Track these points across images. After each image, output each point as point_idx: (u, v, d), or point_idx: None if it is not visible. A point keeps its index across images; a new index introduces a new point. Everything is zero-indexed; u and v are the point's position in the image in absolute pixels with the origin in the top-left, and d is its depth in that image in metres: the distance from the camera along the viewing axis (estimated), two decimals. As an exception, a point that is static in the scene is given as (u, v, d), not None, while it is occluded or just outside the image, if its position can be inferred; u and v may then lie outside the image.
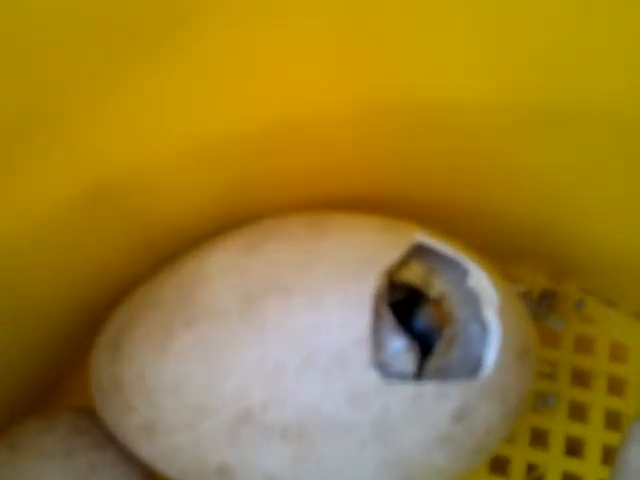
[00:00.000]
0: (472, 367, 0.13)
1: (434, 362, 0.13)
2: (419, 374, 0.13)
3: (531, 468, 0.19)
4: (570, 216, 0.19)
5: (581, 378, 0.20)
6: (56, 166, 0.13)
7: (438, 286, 0.14)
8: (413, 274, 0.14)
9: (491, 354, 0.13)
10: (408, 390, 0.13)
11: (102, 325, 0.16)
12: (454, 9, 0.12)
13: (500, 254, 0.20)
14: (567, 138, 0.16)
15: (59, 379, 0.19)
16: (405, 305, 0.14)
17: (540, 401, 0.19)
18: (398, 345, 0.13)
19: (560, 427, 0.19)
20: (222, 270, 0.14)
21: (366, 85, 0.14)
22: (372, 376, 0.13)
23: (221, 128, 0.15)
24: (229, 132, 0.15)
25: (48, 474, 0.14)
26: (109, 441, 0.16)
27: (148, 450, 0.14)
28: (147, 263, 0.16)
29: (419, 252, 0.14)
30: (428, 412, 0.13)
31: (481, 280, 0.14)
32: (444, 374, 0.13)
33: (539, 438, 0.19)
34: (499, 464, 0.19)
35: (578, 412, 0.19)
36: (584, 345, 0.20)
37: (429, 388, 0.13)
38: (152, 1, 0.11)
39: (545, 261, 0.21)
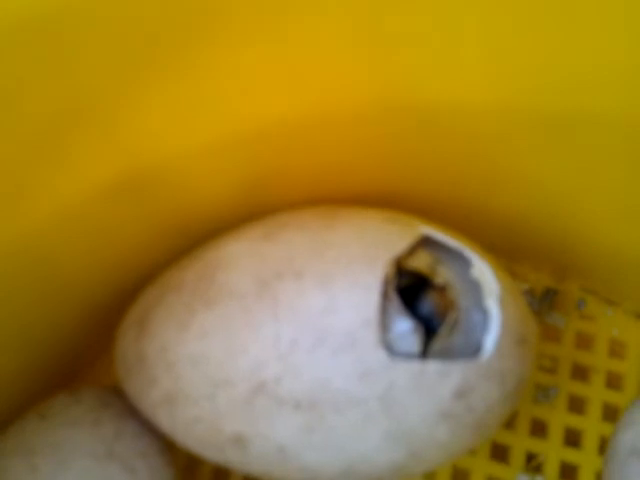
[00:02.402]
0: (473, 351, 0.14)
1: (437, 344, 0.14)
2: (423, 354, 0.14)
3: (530, 457, 0.20)
4: (572, 217, 0.20)
5: (580, 373, 0.21)
6: (92, 157, 0.14)
7: (443, 275, 0.15)
8: (420, 262, 0.15)
9: (491, 339, 0.14)
10: (412, 367, 0.14)
11: (128, 307, 0.17)
12: (463, 15, 0.13)
13: (505, 253, 0.21)
14: (568, 141, 0.17)
15: (86, 360, 0.20)
16: (411, 291, 0.15)
17: (541, 393, 0.20)
18: (404, 327, 0.14)
19: (559, 418, 0.20)
20: (240, 256, 0.15)
21: (376, 87, 0.15)
22: (379, 354, 0.14)
23: (241, 126, 0.16)
24: (248, 131, 0.16)
25: (76, 440, 0.16)
26: (132, 414, 0.17)
27: (168, 421, 0.15)
28: (171, 250, 0.17)
29: (426, 243, 0.15)
30: (431, 388, 0.14)
31: (484, 271, 0.15)
32: (446, 356, 0.14)
33: (539, 428, 0.20)
34: (500, 452, 0.20)
35: (577, 405, 0.20)
36: (584, 342, 0.21)
37: (432, 366, 0.14)
38: (180, 17, 0.12)
39: (548, 261, 0.22)
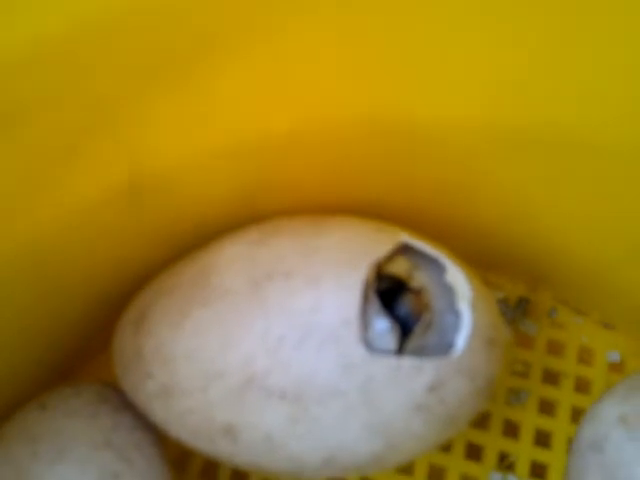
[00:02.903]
0: (445, 349, 0.16)
1: (412, 342, 0.15)
2: (399, 351, 0.15)
3: (503, 456, 0.21)
4: (545, 231, 0.21)
5: (551, 377, 0.22)
6: (100, 163, 0.15)
7: (419, 279, 0.16)
8: (398, 267, 0.16)
9: (462, 338, 0.16)
10: (390, 362, 0.15)
11: (126, 306, 0.18)
12: (446, 36, 0.14)
13: (481, 264, 0.22)
14: (542, 157, 0.18)
15: (84, 358, 0.21)
16: (390, 294, 0.16)
17: (513, 396, 0.21)
18: (382, 326, 0.15)
19: (530, 420, 0.21)
20: (235, 259, 0.17)
21: (363, 105, 0.16)
22: (360, 350, 0.15)
23: (239, 139, 0.17)
24: (246, 143, 0.17)
25: (76, 430, 0.17)
26: (128, 408, 0.18)
27: (163, 412, 0.17)
28: (169, 253, 0.18)
29: (405, 250, 0.17)
30: (406, 382, 0.15)
31: (457, 277, 0.17)
32: (421, 353, 0.15)
33: (511, 429, 0.21)
34: (474, 451, 0.21)
35: (547, 407, 0.21)
36: (555, 348, 0.22)
37: (407, 362, 0.15)
38: (186, 38, 0.14)
39: (522, 271, 0.23)
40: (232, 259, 0.17)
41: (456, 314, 0.16)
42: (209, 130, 0.16)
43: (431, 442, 0.16)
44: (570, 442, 0.21)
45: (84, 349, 0.21)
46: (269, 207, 0.19)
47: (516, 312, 0.23)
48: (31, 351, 0.19)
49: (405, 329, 0.16)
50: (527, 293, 0.23)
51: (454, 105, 0.17)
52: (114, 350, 0.18)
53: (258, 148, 0.17)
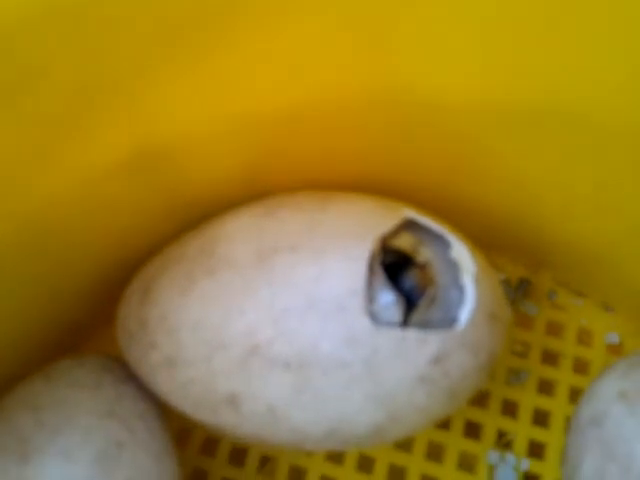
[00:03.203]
0: (449, 323, 0.16)
1: (417, 316, 0.16)
2: (404, 324, 0.15)
3: (501, 434, 0.21)
4: (546, 214, 0.21)
5: (550, 358, 0.22)
6: (111, 133, 0.15)
7: (424, 254, 0.16)
8: (404, 242, 0.16)
9: (465, 312, 0.16)
10: (394, 334, 0.15)
11: (131, 278, 0.18)
12: (453, 16, 0.14)
13: (484, 245, 0.22)
14: (545, 140, 0.18)
15: (88, 331, 0.21)
16: (395, 267, 0.16)
17: (513, 376, 0.22)
18: (388, 298, 0.15)
19: (529, 400, 0.21)
20: (240, 230, 0.17)
21: (367, 82, 0.16)
22: (365, 322, 0.15)
23: (245, 113, 0.17)
24: (251, 117, 0.17)
25: (80, 399, 0.17)
26: (132, 380, 0.18)
27: (166, 384, 0.17)
28: (174, 226, 0.18)
29: (410, 225, 0.17)
30: (410, 354, 0.15)
31: (461, 253, 0.17)
32: (425, 326, 0.15)
33: (510, 408, 0.21)
34: (473, 429, 0.21)
35: (546, 387, 0.22)
36: (554, 329, 0.22)
37: (412, 334, 0.15)
38: (196, 12, 0.14)
39: (524, 253, 0.23)
40: (238, 231, 0.17)
41: (460, 289, 0.16)
42: (211, 107, 0.16)
43: (432, 415, 0.16)
44: (568, 422, 0.21)
45: (87, 324, 0.21)
46: (271, 184, 0.19)
47: (517, 293, 0.23)
48: (34, 325, 0.19)
49: (410, 303, 0.16)
50: (528, 274, 0.23)
51: (457, 83, 0.17)
52: (118, 321, 0.18)
53: (259, 125, 0.17)
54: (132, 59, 0.13)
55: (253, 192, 0.19)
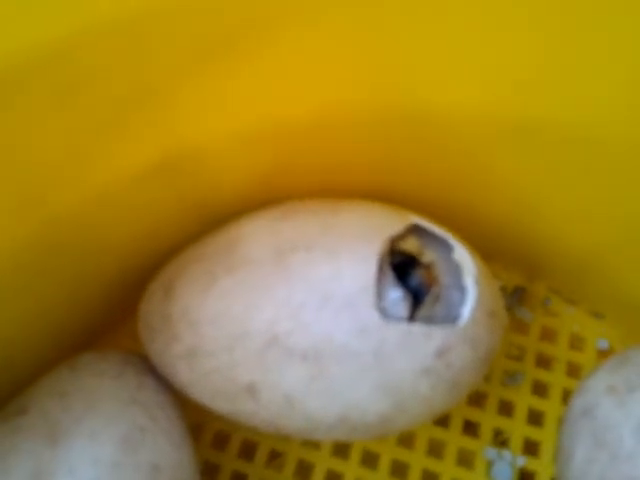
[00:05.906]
0: (452, 319, 0.17)
1: (422, 312, 0.17)
2: (411, 319, 0.17)
3: (498, 433, 0.22)
4: (541, 223, 0.22)
5: (544, 361, 0.23)
6: (146, 137, 0.16)
7: (428, 256, 0.18)
8: (410, 244, 0.18)
9: (467, 310, 0.17)
10: (401, 328, 0.16)
11: (154, 276, 0.20)
12: (458, 27, 0.15)
13: (482, 253, 0.24)
14: (543, 155, 0.19)
15: (107, 330, 0.22)
16: (403, 267, 0.18)
17: (509, 378, 0.23)
18: (396, 295, 0.17)
19: (524, 400, 0.22)
20: (259, 232, 0.18)
21: (376, 95, 0.18)
22: (375, 316, 0.16)
23: (264, 124, 0.18)
24: (269, 128, 0.19)
25: (104, 387, 0.18)
26: (152, 372, 0.19)
27: (187, 374, 0.18)
28: (195, 228, 0.19)
29: (416, 230, 0.18)
30: (416, 346, 0.16)
31: (463, 255, 0.18)
32: (430, 322, 0.17)
33: (506, 408, 0.22)
34: (471, 428, 0.22)
35: (540, 389, 0.23)
36: (548, 335, 0.24)
37: (418, 328, 0.16)
38: (228, 17, 0.15)
39: (519, 262, 0.24)
40: (256, 232, 0.18)
41: (462, 289, 0.17)
42: (235, 120, 0.18)
43: (435, 406, 0.17)
44: (561, 422, 0.22)
45: (106, 322, 0.22)
46: (287, 191, 0.21)
47: (512, 300, 0.24)
48: (56, 323, 0.20)
49: (416, 300, 0.17)
50: (523, 282, 0.25)
51: (461, 99, 0.18)
52: (141, 317, 0.19)
53: (277, 138, 0.19)
54: (171, 72, 0.15)
55: (269, 198, 0.20)
